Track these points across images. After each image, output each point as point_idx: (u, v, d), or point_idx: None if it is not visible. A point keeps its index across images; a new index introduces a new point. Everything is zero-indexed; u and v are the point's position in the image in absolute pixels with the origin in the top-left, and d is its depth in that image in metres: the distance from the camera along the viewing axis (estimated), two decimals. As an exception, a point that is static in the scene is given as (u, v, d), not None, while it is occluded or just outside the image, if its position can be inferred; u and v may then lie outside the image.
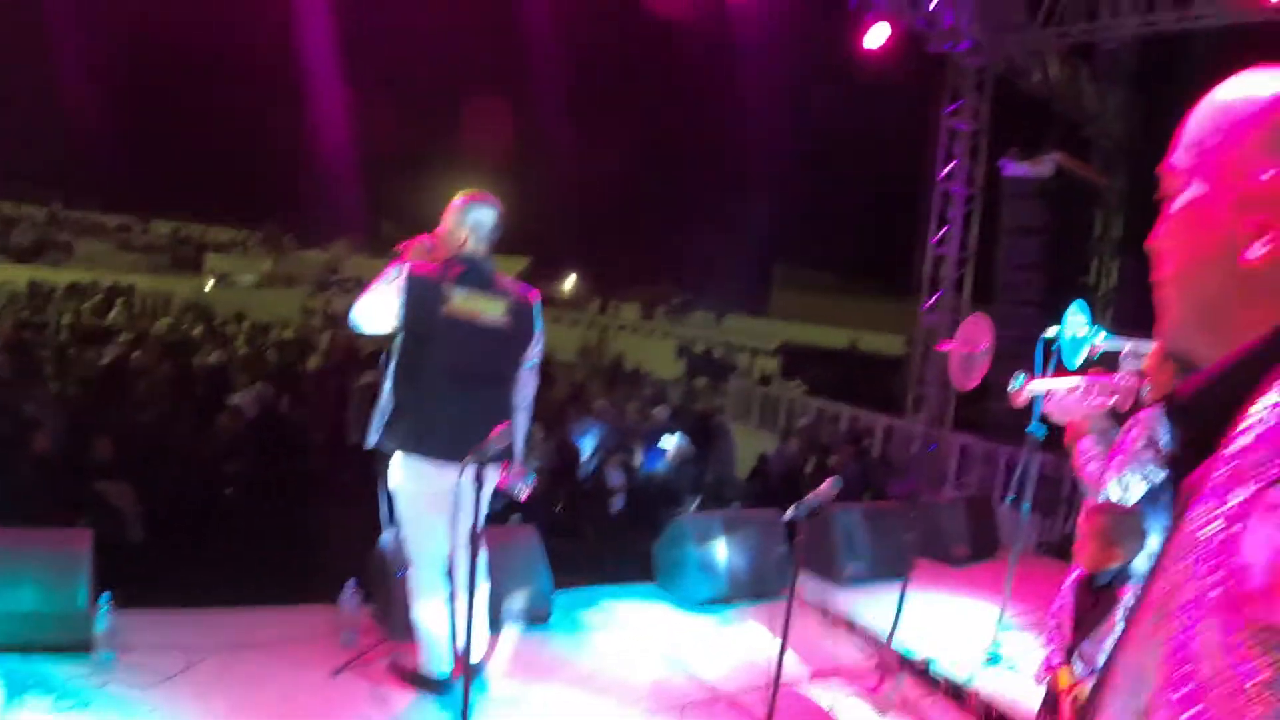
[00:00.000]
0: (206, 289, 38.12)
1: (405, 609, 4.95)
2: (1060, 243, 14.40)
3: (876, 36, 12.18)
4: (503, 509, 8.99)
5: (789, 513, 4.35)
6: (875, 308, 28.79)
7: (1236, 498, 0.88)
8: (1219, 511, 0.89)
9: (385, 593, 5.65)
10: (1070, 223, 14.86)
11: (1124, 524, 4.13)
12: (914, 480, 11.14)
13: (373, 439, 4.71)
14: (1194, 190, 1.12)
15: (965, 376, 5.09)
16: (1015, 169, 14.39)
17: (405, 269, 4.60)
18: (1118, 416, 4.59)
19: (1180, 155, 1.15)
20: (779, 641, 4.47)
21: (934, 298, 13.64)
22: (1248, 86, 1.10)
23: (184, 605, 5.60)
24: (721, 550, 7.14)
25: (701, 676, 5.83)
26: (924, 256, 13.72)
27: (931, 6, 12.55)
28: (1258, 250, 1.03)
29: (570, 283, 50.61)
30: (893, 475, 13.51)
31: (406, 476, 4.65)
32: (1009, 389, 4.76)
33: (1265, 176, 1.03)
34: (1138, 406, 4.45)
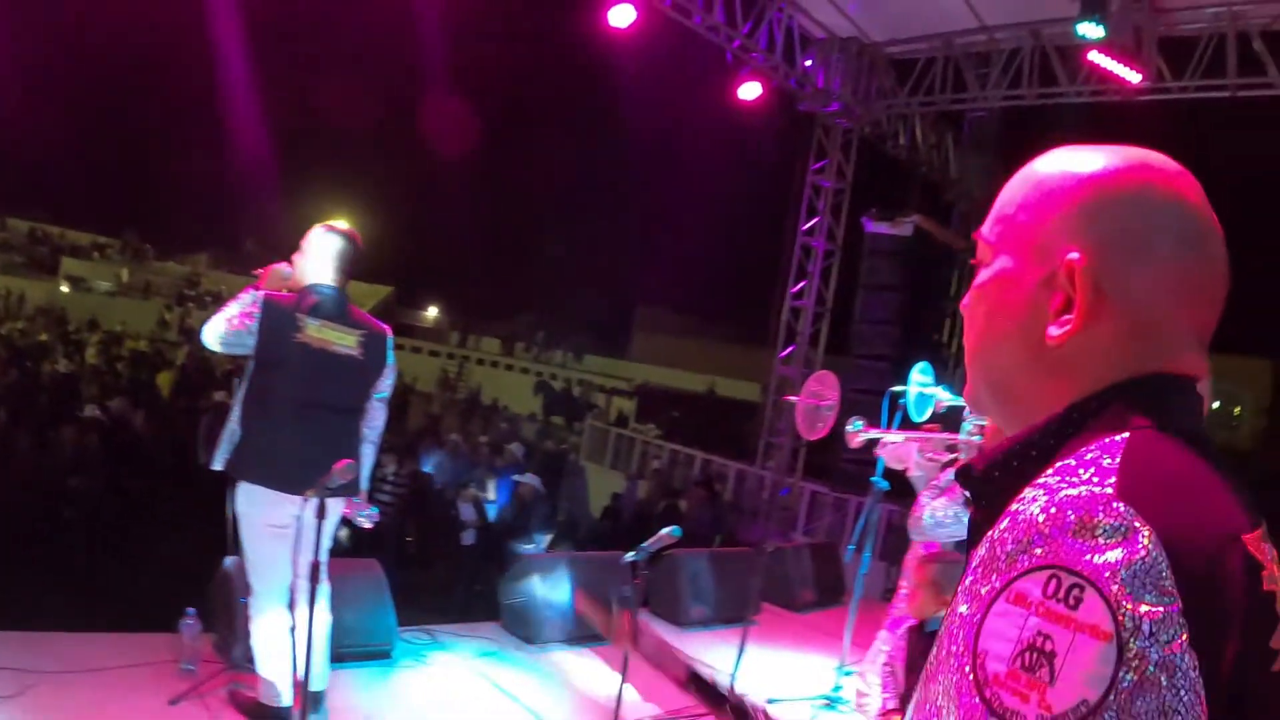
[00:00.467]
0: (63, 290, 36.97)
1: (246, 638, 4.86)
2: (916, 301, 14.74)
3: (750, 91, 12.41)
4: (353, 540, 8.90)
5: (628, 556, 4.38)
6: (734, 355, 29.03)
7: (986, 585, 0.92)
8: (974, 591, 0.94)
9: (227, 621, 5.54)
10: (926, 282, 15.21)
11: (953, 572, 4.26)
12: (764, 526, 11.28)
13: (218, 463, 4.63)
14: (1002, 263, 1.14)
15: (810, 428, 5.21)
16: (876, 227, 14.73)
17: (260, 296, 4.56)
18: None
19: (991, 226, 1.18)
20: (619, 683, 4.49)
21: (789, 349, 13.88)
22: (1059, 164, 1.12)
23: (18, 626, 5.41)
24: (565, 591, 7.15)
25: (544, 717, 5.81)
26: (782, 307, 13.96)
27: (805, 67, 12.85)
28: (1059, 329, 1.06)
29: (432, 314, 50.21)
30: (743, 520, 13.66)
31: (250, 504, 4.57)
32: (846, 429, 4.92)
33: (1070, 257, 1.05)
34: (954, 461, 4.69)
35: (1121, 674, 0.81)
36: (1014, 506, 0.97)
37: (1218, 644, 0.85)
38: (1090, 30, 8.95)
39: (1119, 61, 9.64)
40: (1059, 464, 0.98)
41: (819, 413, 5.62)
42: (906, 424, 6.31)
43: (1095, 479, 0.92)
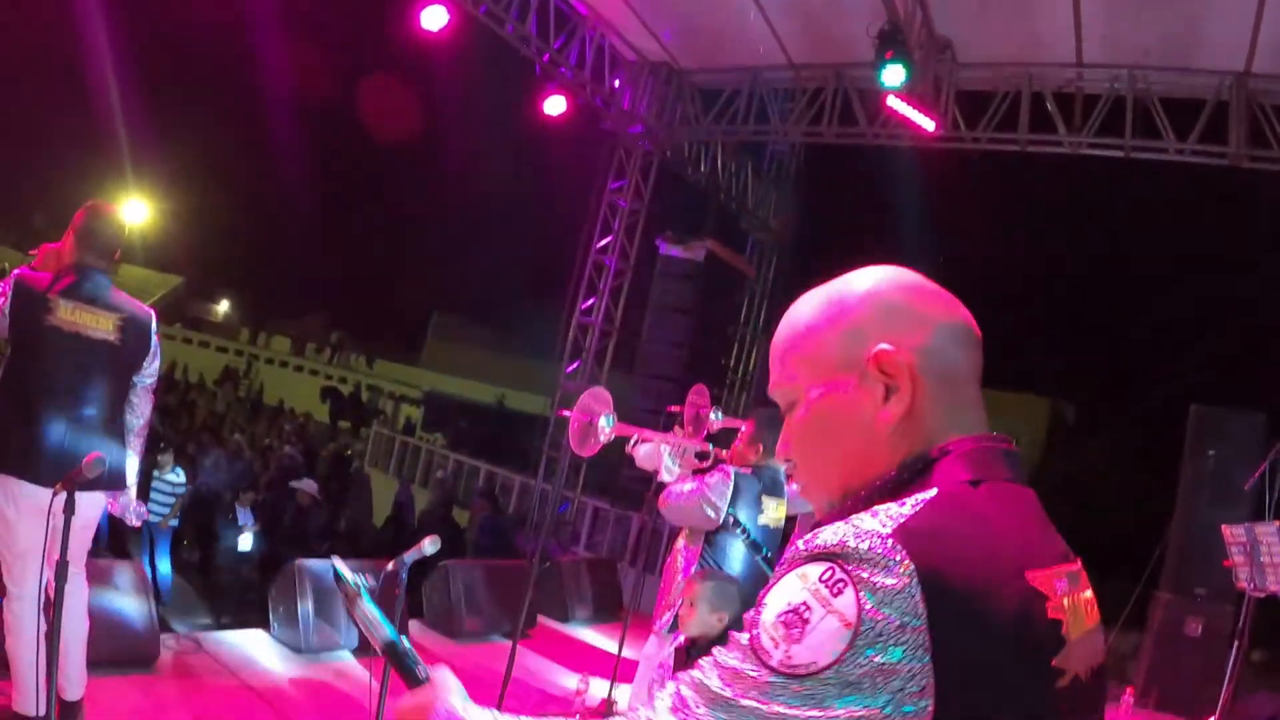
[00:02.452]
0: None
1: (1, 641, 4.67)
2: (704, 325, 15.00)
3: (555, 106, 12.47)
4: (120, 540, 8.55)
5: (390, 565, 4.38)
6: (525, 367, 29.04)
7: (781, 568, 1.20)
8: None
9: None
10: (717, 306, 15.50)
11: (725, 591, 4.40)
12: (544, 539, 11.35)
13: None
14: (813, 395, 1.36)
15: (582, 444, 5.29)
16: (669, 250, 14.93)
17: (12, 276, 4.42)
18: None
19: (783, 374, 1.40)
20: (384, 694, 4.48)
21: (575, 364, 13.98)
22: (820, 298, 1.39)
23: None
24: (335, 597, 7.07)
25: (303, 724, 5.76)
26: (570, 324, 14.05)
27: (612, 87, 12.98)
28: (892, 409, 1.29)
29: (224, 308, 48.80)
30: (524, 533, 13.70)
31: (4, 496, 4.39)
32: (599, 425, 5.06)
33: (880, 348, 1.29)
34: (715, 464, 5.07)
35: (849, 655, 1.07)
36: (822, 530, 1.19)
37: (966, 662, 1.09)
38: (891, 76, 9.28)
39: (916, 109, 10.02)
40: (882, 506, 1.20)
41: (591, 429, 5.70)
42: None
43: (886, 520, 1.15)
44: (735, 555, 5.00)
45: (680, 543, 5.29)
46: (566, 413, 5.36)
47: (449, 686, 1.63)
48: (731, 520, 4.99)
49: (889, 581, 1.09)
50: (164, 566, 11.20)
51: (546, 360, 14.78)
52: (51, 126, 37.93)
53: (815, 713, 1.08)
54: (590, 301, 13.94)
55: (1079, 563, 1.31)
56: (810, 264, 15.80)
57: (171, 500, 11.38)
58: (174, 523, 11.56)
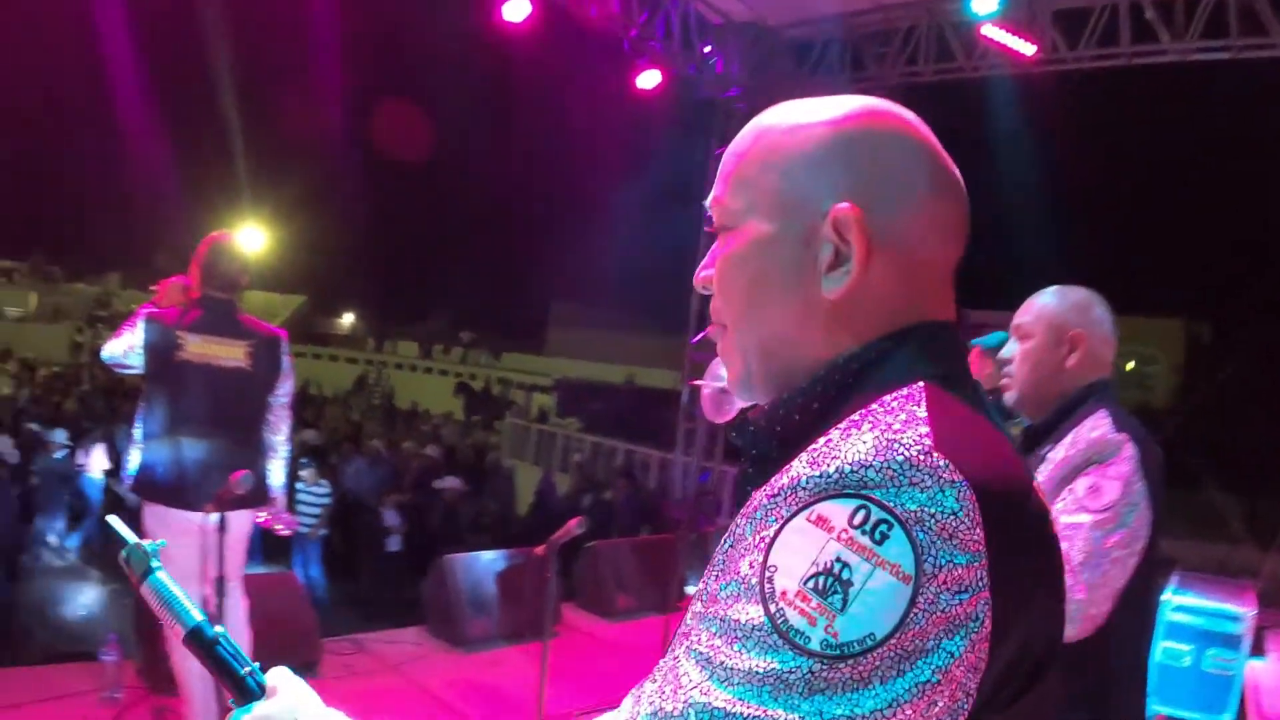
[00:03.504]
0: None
1: (168, 661, 4.79)
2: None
3: (648, 80, 12.40)
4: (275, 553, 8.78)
5: (539, 550, 4.38)
6: (651, 344, 29.03)
7: (776, 513, 0.90)
8: (756, 521, 0.94)
9: (149, 645, 5.46)
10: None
11: None
12: (688, 512, 11.31)
13: (126, 484, 4.61)
14: (752, 226, 1.09)
15: (717, 412, 5.22)
16: (782, 209, 14.79)
17: (143, 316, 4.55)
18: None
19: (729, 190, 1.12)
20: (543, 679, 4.49)
21: (701, 335, 13.91)
22: (795, 116, 1.10)
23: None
24: (488, 589, 7.13)
25: (473, 718, 5.79)
26: (692, 293, 13.98)
27: (703, 54, 12.87)
28: (833, 283, 1.03)
29: (348, 321, 49.75)
30: (668, 509, 13.70)
31: (156, 523, 4.52)
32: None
33: (839, 207, 1.02)
34: None
35: (912, 616, 0.82)
36: (818, 444, 0.94)
37: (1018, 591, 0.88)
38: (983, 4, 9.04)
39: (1013, 34, 9.74)
40: (862, 410, 0.96)
41: (725, 396, 5.64)
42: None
43: (910, 427, 0.91)
44: None
45: None
46: (698, 383, 5.31)
47: (298, 698, 1.29)
48: None
49: (945, 508, 0.85)
50: (317, 574, 11.46)
51: (672, 334, 14.73)
52: (164, 168, 38.99)
53: (879, 701, 0.82)
54: (710, 271, 13.86)
55: None
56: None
57: (318, 510, 11.64)
58: (323, 531, 11.81)
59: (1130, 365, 27.86)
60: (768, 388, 1.12)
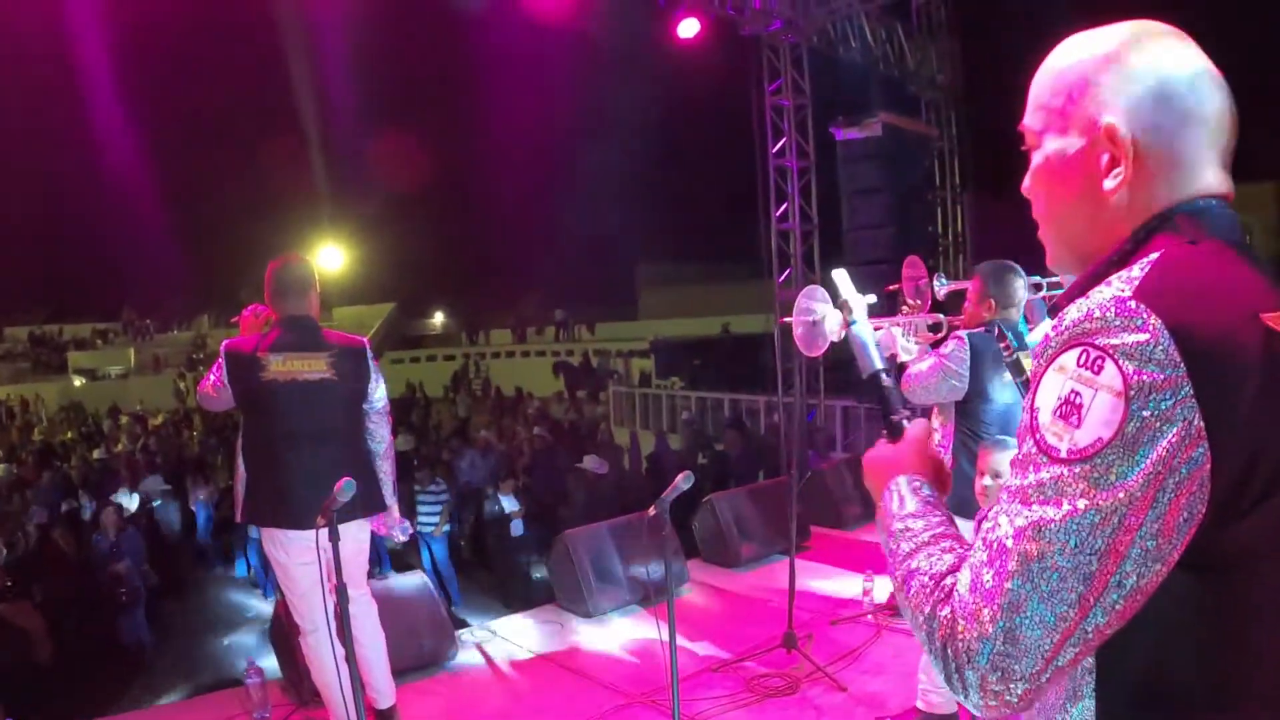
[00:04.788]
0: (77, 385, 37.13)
1: (309, 674, 4.91)
2: (902, 197, 14.61)
3: (688, 29, 12.31)
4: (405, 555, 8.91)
5: (651, 510, 4.37)
6: (740, 291, 28.81)
7: (1038, 368, 1.25)
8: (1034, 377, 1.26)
9: (289, 662, 5.59)
10: (908, 176, 15.07)
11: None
12: (800, 451, 11.28)
13: (239, 514, 4.72)
14: (1051, 144, 1.41)
15: (810, 345, 5.16)
16: (846, 134, 14.59)
17: (222, 350, 4.68)
18: None
19: (1031, 117, 1.44)
20: (673, 637, 4.49)
21: (786, 273, 13.81)
22: (1075, 52, 1.39)
23: (96, 715, 5.48)
24: (611, 557, 7.18)
25: (613, 684, 5.84)
26: (770, 234, 13.88)
27: (737, -8, 12.72)
28: (1111, 181, 1.34)
29: (439, 319, 50.17)
30: (781, 452, 13.66)
31: (274, 546, 4.63)
32: (823, 322, 4.92)
33: (1106, 121, 1.32)
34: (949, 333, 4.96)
35: (1128, 421, 1.13)
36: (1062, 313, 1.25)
37: (1228, 403, 1.13)
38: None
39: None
40: (1105, 281, 1.25)
41: (815, 328, 5.58)
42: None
43: (1121, 286, 1.20)
44: (990, 419, 4.79)
45: (935, 422, 5.10)
46: (787, 320, 5.27)
47: (917, 455, 1.61)
48: (980, 385, 4.77)
49: (1141, 339, 1.14)
50: (447, 571, 11.63)
51: (759, 278, 14.63)
52: (238, 205, 39.65)
53: (1116, 489, 1.13)
54: (783, 207, 13.75)
55: None
56: (989, 106, 15.15)
57: (439, 509, 11.81)
58: (447, 528, 11.98)
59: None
60: (1078, 269, 1.44)
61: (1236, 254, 1.29)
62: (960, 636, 1.21)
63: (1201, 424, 1.12)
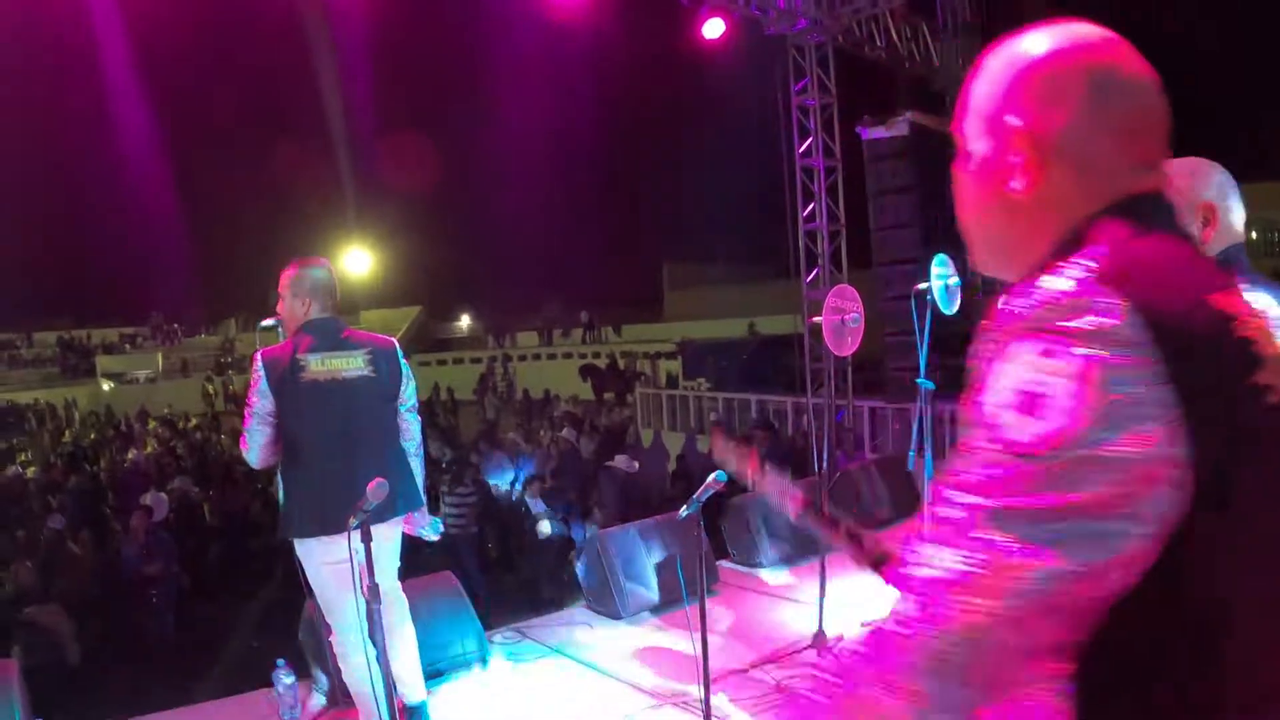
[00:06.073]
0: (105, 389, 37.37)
1: (339, 674, 4.92)
2: (929, 196, 14.56)
3: (714, 29, 12.29)
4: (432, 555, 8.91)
5: (683, 512, 4.36)
6: (766, 291, 28.81)
7: (986, 365, 1.17)
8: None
9: (321, 662, 5.59)
10: (936, 175, 14.99)
11: None
12: (828, 451, 11.25)
13: (279, 531, 4.73)
14: (974, 145, 1.38)
15: (840, 344, 5.16)
16: (872, 133, 14.56)
17: (258, 360, 4.65)
18: None
19: (960, 118, 1.41)
20: (705, 638, 4.48)
21: (813, 272, 13.78)
22: (1003, 51, 1.36)
23: (125, 715, 5.49)
24: (640, 558, 7.15)
25: (642, 686, 5.82)
26: (797, 234, 13.85)
27: (762, -8, 12.69)
28: (1018, 183, 1.30)
29: (465, 323, 50.25)
30: (809, 452, 13.63)
31: (306, 548, 4.63)
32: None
33: (1012, 123, 1.30)
34: None
35: (1099, 407, 1.05)
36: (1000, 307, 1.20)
37: (1194, 382, 1.07)
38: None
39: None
40: (1052, 270, 1.18)
41: (845, 326, 5.57)
42: (937, 319, 6.27)
43: (1078, 273, 1.14)
44: None
45: None
46: (817, 319, 5.25)
47: None
48: None
49: (1107, 323, 1.08)
50: (474, 571, 11.63)
51: (785, 279, 14.62)
52: (265, 211, 39.87)
53: (1095, 479, 1.05)
54: (810, 207, 13.72)
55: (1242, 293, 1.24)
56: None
57: (466, 510, 11.82)
58: (474, 529, 11.99)
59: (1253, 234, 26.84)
60: (1001, 273, 1.41)
61: (1182, 240, 1.28)
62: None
63: (1177, 407, 1.06)
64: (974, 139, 1.38)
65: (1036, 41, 1.32)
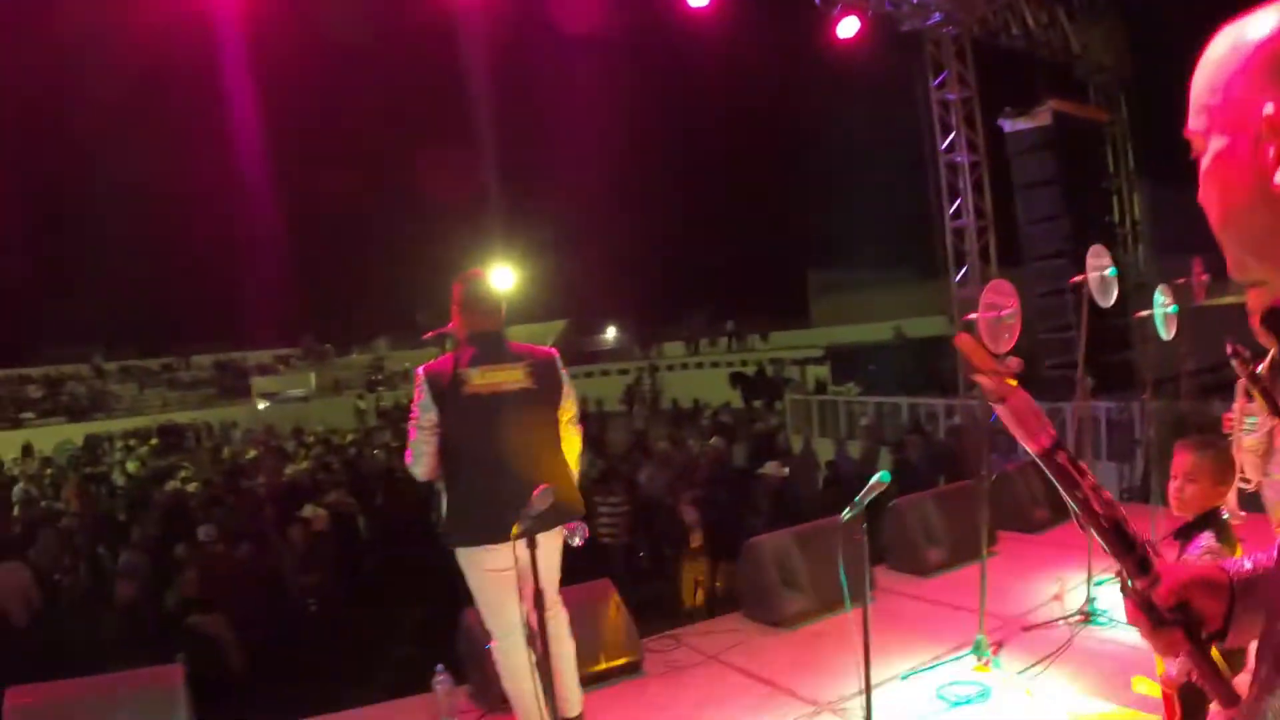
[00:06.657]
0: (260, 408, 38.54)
1: (497, 681, 4.97)
2: (1075, 188, 14.22)
3: (848, 28, 12.18)
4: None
5: (845, 514, 4.31)
6: (913, 293, 28.47)
7: None
8: None
9: (477, 669, 5.67)
10: (1081, 166, 14.67)
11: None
12: (985, 454, 11.01)
13: (444, 539, 4.81)
14: (1215, 145, 1.24)
15: (996, 341, 5.05)
16: (1014, 125, 14.27)
17: (420, 374, 4.77)
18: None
19: (1194, 119, 1.27)
20: (867, 644, 4.42)
21: (962, 271, 13.54)
22: (1229, 40, 1.23)
23: (289, 720, 5.65)
24: (798, 564, 7.09)
25: (800, 693, 5.77)
26: (945, 232, 13.65)
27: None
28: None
29: (611, 335, 50.63)
30: (962, 454, 13.39)
31: (469, 560, 4.70)
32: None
33: (1267, 110, 1.14)
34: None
35: None
36: None
37: None
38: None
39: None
40: None
41: (1001, 323, 5.46)
42: (1093, 311, 6.12)
43: None
44: None
45: None
46: (972, 315, 5.16)
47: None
48: None
49: None
50: (628, 581, 11.67)
51: (929, 279, 14.41)
52: (408, 228, 40.66)
53: None
54: (956, 204, 13.50)
55: None
56: (1162, 87, 14.63)
57: (617, 520, 11.86)
58: (625, 540, 12.03)
59: None
60: (1262, 274, 1.27)
61: None
62: None
63: None
64: (1216, 133, 1.24)
65: (1273, 20, 1.19)
